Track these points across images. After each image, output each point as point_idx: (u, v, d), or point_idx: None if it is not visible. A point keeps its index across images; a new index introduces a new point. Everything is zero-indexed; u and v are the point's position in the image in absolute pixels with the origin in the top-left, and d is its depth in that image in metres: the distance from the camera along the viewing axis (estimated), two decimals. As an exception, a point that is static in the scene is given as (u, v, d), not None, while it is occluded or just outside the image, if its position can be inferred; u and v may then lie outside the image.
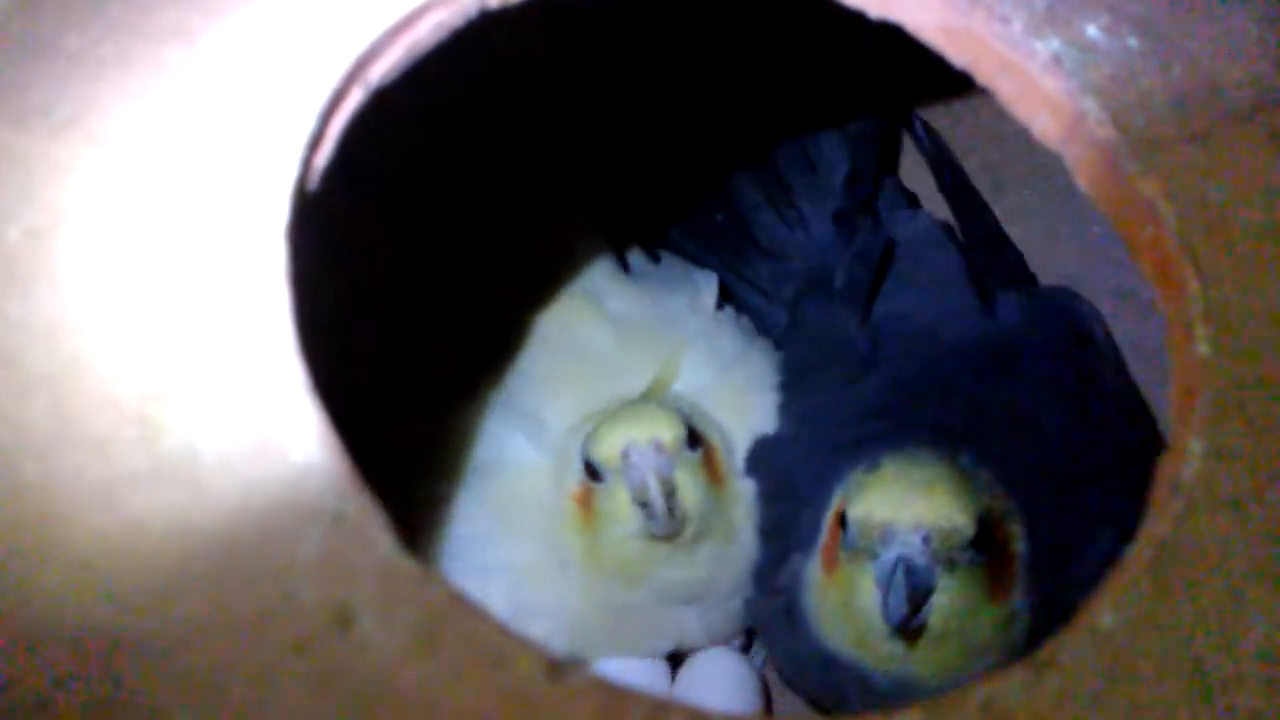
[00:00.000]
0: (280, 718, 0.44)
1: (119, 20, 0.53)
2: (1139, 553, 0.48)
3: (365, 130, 0.54)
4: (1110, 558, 0.64)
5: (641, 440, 0.66)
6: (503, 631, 0.45)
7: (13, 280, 0.49)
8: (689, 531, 0.68)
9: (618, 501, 0.68)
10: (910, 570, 0.61)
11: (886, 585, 0.61)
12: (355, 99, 0.53)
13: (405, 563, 0.46)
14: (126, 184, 0.51)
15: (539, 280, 0.80)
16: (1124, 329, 0.79)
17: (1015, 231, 0.85)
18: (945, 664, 0.64)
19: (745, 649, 0.79)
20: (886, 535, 0.61)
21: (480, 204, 0.82)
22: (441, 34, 0.55)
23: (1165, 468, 0.50)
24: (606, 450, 0.67)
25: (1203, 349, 0.51)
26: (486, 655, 0.45)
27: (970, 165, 0.87)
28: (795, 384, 0.77)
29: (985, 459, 0.67)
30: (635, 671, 0.74)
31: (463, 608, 0.45)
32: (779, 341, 0.81)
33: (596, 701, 0.44)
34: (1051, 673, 0.46)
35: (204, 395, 0.48)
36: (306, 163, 0.52)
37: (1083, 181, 0.56)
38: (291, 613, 0.45)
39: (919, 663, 0.64)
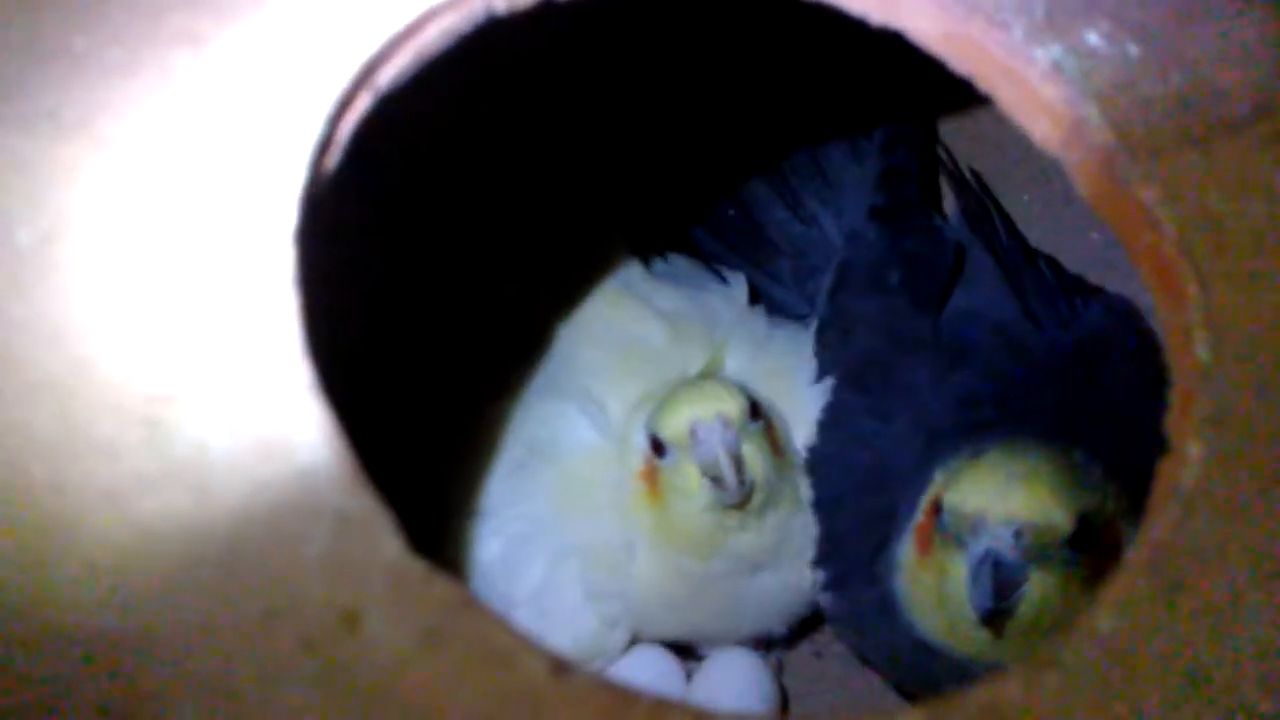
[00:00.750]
0: (287, 717, 0.44)
1: (125, 24, 0.53)
2: (1139, 555, 0.48)
3: (374, 135, 0.54)
4: None
5: (708, 416, 0.68)
6: (508, 631, 0.45)
7: (19, 283, 0.49)
8: (758, 500, 0.69)
9: (686, 476, 0.69)
10: (998, 564, 0.60)
11: (974, 576, 0.60)
12: (364, 104, 0.54)
13: (411, 562, 0.46)
14: (134, 188, 0.51)
15: (553, 279, 0.82)
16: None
17: (1015, 238, 0.85)
18: None
19: (782, 643, 0.80)
20: (977, 526, 0.61)
21: (491, 206, 0.83)
22: (449, 39, 0.55)
23: (1165, 472, 0.50)
24: (674, 427, 0.68)
25: (1202, 354, 0.51)
26: (492, 655, 0.45)
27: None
28: (863, 377, 0.76)
29: (1098, 456, 0.66)
30: (650, 668, 0.75)
31: (469, 607, 0.46)
32: (820, 329, 0.80)
33: (600, 701, 0.45)
34: (1052, 674, 0.46)
35: (211, 397, 0.48)
36: (315, 167, 0.52)
37: (1082, 188, 0.56)
38: (298, 612, 0.45)
39: (1012, 654, 0.63)
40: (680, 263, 0.86)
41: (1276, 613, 0.47)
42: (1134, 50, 0.56)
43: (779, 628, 0.78)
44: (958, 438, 0.67)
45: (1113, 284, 0.79)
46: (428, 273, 0.80)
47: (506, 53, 0.60)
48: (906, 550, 0.67)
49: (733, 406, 0.68)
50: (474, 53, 0.55)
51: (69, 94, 0.52)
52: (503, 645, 0.45)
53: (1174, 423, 0.51)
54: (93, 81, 0.53)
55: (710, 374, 0.77)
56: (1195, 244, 0.53)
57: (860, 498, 0.72)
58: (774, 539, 0.72)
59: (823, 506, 0.73)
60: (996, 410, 0.70)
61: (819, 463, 0.74)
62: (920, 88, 0.76)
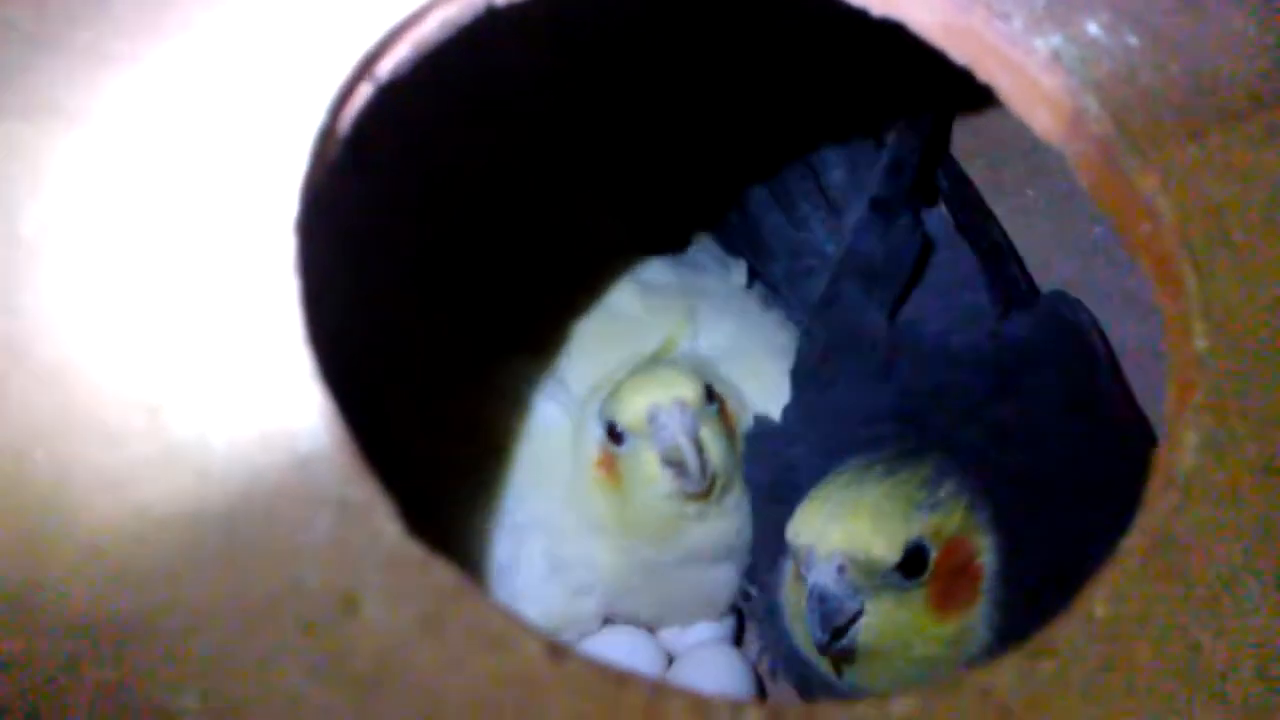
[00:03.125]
0: (286, 701, 0.44)
1: (127, 16, 0.54)
2: (1135, 543, 0.48)
3: (374, 125, 0.55)
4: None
5: (666, 401, 0.67)
6: (506, 616, 0.46)
7: (23, 271, 0.50)
8: (716, 486, 0.69)
9: (645, 464, 0.68)
10: (823, 598, 0.61)
11: (809, 609, 0.61)
12: (364, 94, 0.54)
13: (410, 548, 0.46)
14: (136, 177, 0.51)
15: (556, 270, 0.81)
16: (1127, 330, 0.79)
17: (1018, 233, 0.85)
18: (892, 677, 0.63)
19: (737, 641, 0.80)
20: (808, 561, 0.62)
21: (492, 198, 0.83)
22: (449, 30, 0.55)
23: (1161, 460, 0.50)
24: (632, 414, 0.68)
25: (1200, 344, 0.51)
26: (490, 639, 0.45)
27: (972, 167, 0.87)
28: (811, 376, 0.76)
29: (972, 471, 0.66)
30: (628, 649, 0.75)
31: (467, 592, 0.46)
32: (807, 326, 0.80)
33: (597, 684, 0.45)
34: (1047, 660, 0.46)
35: (213, 384, 0.49)
36: (316, 157, 0.52)
37: (1082, 178, 0.56)
38: (298, 597, 0.45)
39: (864, 675, 0.64)
40: (693, 250, 0.85)
41: (1273, 599, 0.47)
42: (1134, 40, 0.56)
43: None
44: (854, 454, 0.68)
45: (1113, 277, 0.79)
46: (429, 261, 0.80)
47: (506, 45, 0.60)
48: (791, 566, 0.67)
49: (690, 391, 0.68)
50: (473, 44, 0.55)
51: (72, 85, 0.53)
52: (500, 629, 0.45)
53: (1171, 411, 0.51)
54: (95, 73, 0.53)
55: (669, 348, 0.76)
56: (1194, 234, 0.53)
57: (765, 507, 0.72)
58: (730, 527, 0.71)
59: (750, 507, 0.73)
60: (896, 426, 0.70)
61: (751, 456, 0.73)
62: (920, 83, 0.76)
